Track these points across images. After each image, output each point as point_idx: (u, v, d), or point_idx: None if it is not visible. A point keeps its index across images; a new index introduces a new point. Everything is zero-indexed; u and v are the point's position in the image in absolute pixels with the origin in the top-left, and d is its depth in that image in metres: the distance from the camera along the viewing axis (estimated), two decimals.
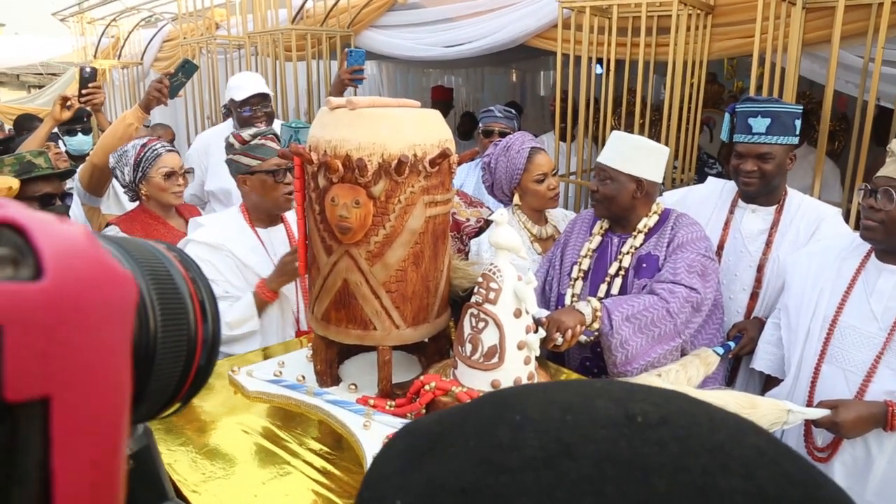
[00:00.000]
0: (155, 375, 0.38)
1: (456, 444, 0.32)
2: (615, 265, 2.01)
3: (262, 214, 2.15)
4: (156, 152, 2.35)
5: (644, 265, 1.96)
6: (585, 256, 2.07)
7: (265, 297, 2.02)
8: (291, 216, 2.17)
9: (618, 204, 1.99)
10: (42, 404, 0.23)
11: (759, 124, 2.05)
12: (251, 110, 3.04)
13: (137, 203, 2.45)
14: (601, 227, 2.10)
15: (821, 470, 0.31)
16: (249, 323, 2.01)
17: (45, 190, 2.31)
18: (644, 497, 0.27)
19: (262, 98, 3.08)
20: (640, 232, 2.01)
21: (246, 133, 2.07)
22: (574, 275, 2.07)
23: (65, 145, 3.84)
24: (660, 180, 2.01)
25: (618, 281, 1.98)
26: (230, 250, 2.04)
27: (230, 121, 3.31)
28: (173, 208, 2.47)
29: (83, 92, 3.01)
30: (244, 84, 3.08)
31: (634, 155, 1.96)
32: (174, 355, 0.39)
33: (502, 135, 2.89)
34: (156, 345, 0.38)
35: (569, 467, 0.28)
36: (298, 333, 2.10)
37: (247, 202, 2.15)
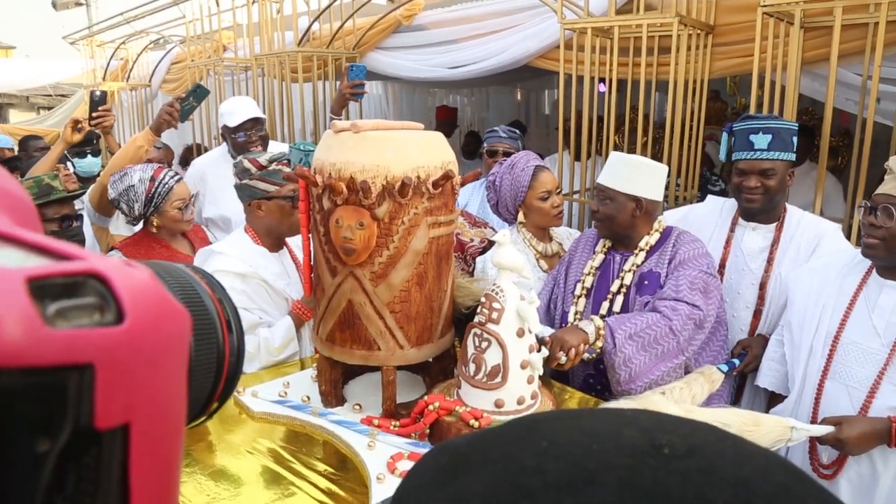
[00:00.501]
0: (191, 391, 0.41)
1: (482, 465, 0.32)
2: (617, 283, 2.02)
3: (273, 239, 2.14)
4: (167, 186, 2.32)
5: (646, 282, 1.97)
6: (588, 274, 2.09)
7: (304, 317, 2.07)
8: (290, 239, 2.20)
9: (618, 223, 2.01)
10: (123, 430, 0.27)
11: (761, 140, 2.07)
12: (246, 135, 3.01)
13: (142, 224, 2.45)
14: (604, 246, 2.12)
15: None
16: (292, 345, 2.05)
17: (63, 212, 2.34)
18: None
19: (255, 122, 3.03)
20: (641, 250, 2.02)
21: (263, 158, 2.06)
22: (577, 292, 2.09)
23: (74, 167, 3.89)
24: (659, 198, 2.03)
25: (619, 298, 2.00)
26: (261, 277, 2.04)
27: (223, 147, 3.26)
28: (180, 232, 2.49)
29: (93, 115, 3.05)
30: (236, 109, 3.03)
31: (632, 174, 1.98)
32: (206, 372, 0.42)
33: (506, 155, 2.91)
34: (191, 364, 0.41)
35: (590, 493, 0.28)
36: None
37: (257, 227, 2.12)
